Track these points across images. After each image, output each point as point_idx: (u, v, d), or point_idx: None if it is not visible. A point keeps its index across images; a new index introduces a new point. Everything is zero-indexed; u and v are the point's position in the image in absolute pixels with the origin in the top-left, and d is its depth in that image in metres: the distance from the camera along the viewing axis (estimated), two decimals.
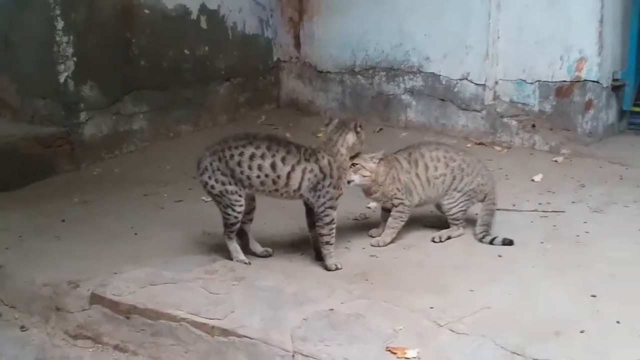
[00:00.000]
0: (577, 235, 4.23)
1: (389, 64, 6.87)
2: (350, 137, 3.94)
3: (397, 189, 4.14)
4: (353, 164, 4.02)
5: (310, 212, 3.96)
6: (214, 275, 3.74)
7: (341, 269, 3.88)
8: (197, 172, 3.91)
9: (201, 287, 3.58)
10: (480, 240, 4.18)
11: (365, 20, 6.91)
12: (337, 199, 3.87)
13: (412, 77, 6.75)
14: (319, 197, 3.83)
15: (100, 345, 3.56)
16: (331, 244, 3.90)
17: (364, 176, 4.05)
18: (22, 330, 3.71)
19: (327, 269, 3.88)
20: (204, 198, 4.64)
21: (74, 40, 5.82)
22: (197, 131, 6.80)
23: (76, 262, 4.04)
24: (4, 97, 6.13)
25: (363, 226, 4.49)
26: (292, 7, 7.43)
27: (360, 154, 4.05)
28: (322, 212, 3.84)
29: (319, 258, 3.95)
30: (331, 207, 3.85)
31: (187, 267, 3.85)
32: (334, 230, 3.89)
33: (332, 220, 3.86)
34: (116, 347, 3.52)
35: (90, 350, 3.55)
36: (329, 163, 3.85)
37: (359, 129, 3.96)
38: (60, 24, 5.73)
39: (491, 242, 4.14)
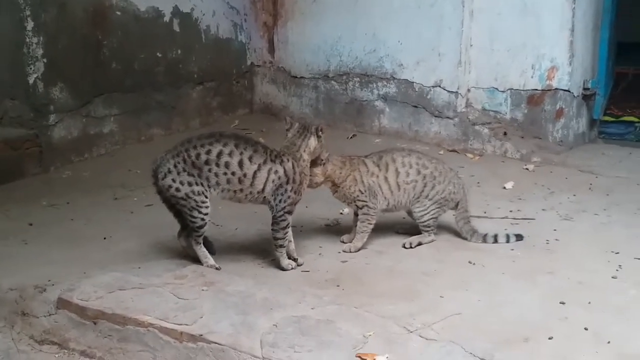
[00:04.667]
0: (547, 242, 4.26)
1: (362, 70, 6.89)
2: (312, 142, 3.96)
3: (360, 190, 4.15)
4: None
5: None
6: (184, 280, 3.70)
7: (295, 268, 3.94)
8: (155, 177, 3.85)
9: (170, 293, 3.54)
10: (484, 240, 4.26)
11: (340, 26, 6.92)
12: (295, 204, 3.91)
13: (385, 83, 6.77)
14: (279, 201, 3.84)
15: (66, 351, 3.50)
16: (284, 247, 3.93)
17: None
18: None
19: (283, 269, 3.92)
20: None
21: (44, 42, 5.74)
22: (169, 135, 6.75)
23: (43, 266, 3.98)
24: None
25: (335, 231, 4.48)
26: (266, 11, 7.42)
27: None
28: (280, 216, 3.86)
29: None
30: (289, 212, 3.88)
31: (156, 272, 3.80)
32: (288, 234, 3.93)
33: (288, 224, 3.90)
34: (83, 353, 3.46)
35: (56, 355, 3.49)
36: (293, 167, 3.87)
37: (320, 133, 3.99)
38: (30, 25, 5.64)
39: (495, 241, 4.26)
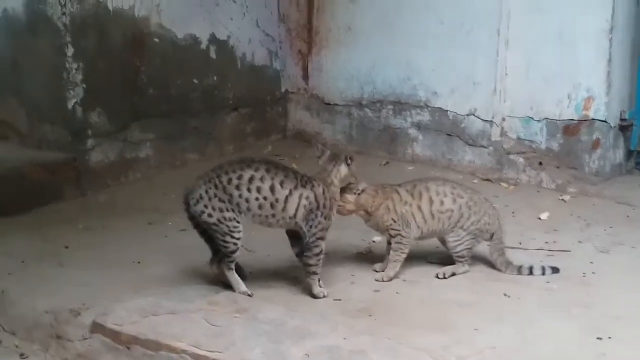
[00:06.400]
0: (583, 275, 4.20)
1: (396, 98, 6.88)
2: (344, 169, 3.99)
3: (393, 219, 4.14)
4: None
5: (295, 242, 4.00)
6: (216, 306, 3.71)
7: (327, 296, 3.92)
8: (187, 204, 3.90)
9: (203, 319, 3.55)
10: (519, 272, 4.21)
11: (374, 54, 6.94)
12: (327, 229, 3.91)
13: (419, 111, 6.75)
14: (311, 226, 3.85)
15: None
16: (317, 274, 3.93)
17: (339, 205, 4.07)
18: (21, 358, 3.68)
19: (314, 297, 3.92)
20: None
21: (84, 67, 5.83)
22: (204, 160, 6.78)
23: (78, 289, 4.02)
24: (12, 121, 6.12)
25: (367, 260, 4.46)
26: (301, 39, 7.48)
27: (349, 185, 4.08)
28: (312, 242, 3.86)
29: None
30: (321, 238, 3.88)
31: (189, 297, 3.82)
32: (321, 261, 3.92)
33: (321, 251, 3.90)
34: None
35: None
36: (324, 192, 3.89)
37: (349, 161, 4.01)
38: (70, 51, 5.74)
39: (530, 272, 4.21)
